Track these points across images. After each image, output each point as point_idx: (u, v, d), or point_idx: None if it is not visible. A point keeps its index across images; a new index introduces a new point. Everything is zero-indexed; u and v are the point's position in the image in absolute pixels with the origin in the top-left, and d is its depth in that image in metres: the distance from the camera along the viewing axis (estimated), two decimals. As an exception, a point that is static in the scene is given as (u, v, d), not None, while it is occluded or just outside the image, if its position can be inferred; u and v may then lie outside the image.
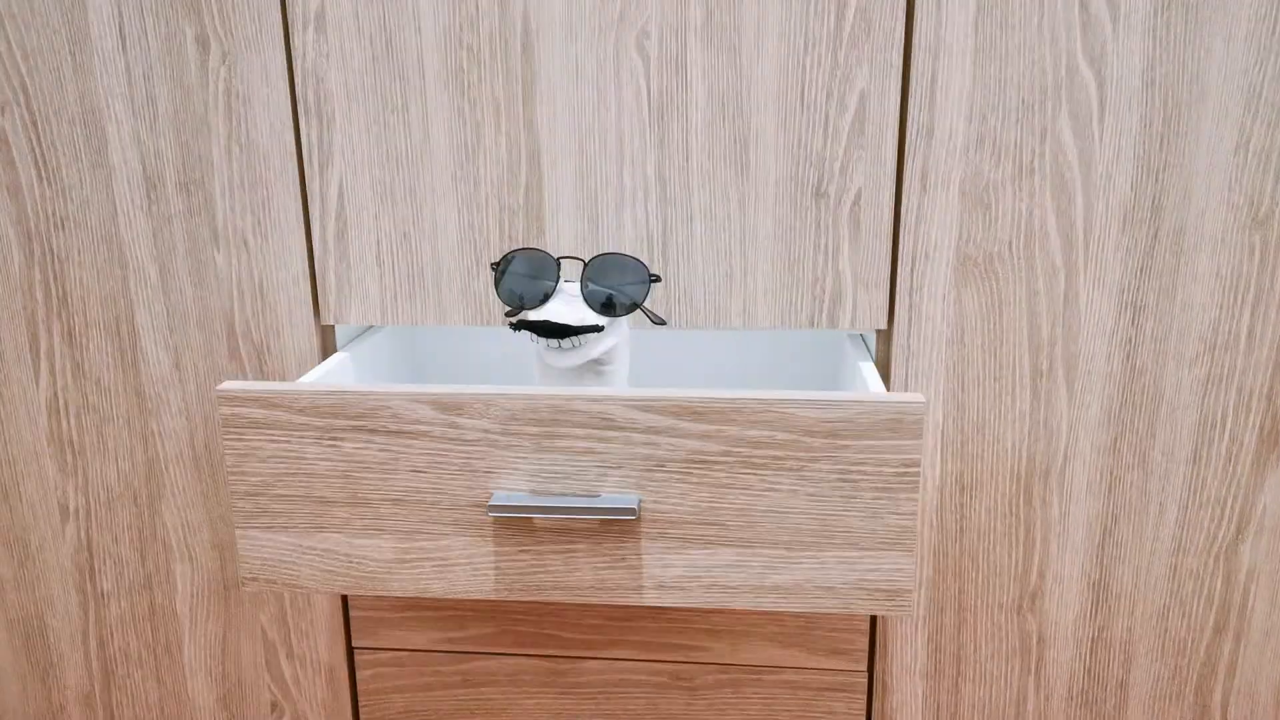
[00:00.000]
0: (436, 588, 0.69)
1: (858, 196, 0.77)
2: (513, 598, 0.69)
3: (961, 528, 0.83)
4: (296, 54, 0.78)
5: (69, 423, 0.89)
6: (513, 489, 0.67)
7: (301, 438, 0.67)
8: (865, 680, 0.88)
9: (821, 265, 0.78)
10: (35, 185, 0.83)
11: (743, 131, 0.76)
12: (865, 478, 0.64)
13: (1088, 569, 0.83)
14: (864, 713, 0.89)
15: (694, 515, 0.66)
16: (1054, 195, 0.75)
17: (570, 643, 0.90)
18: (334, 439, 0.67)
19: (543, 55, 0.76)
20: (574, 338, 0.68)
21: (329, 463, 0.68)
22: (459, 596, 0.69)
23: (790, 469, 0.65)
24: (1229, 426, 0.79)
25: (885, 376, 0.81)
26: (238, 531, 0.69)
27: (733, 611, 0.87)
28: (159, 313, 0.85)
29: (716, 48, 0.75)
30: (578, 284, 0.71)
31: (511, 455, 0.66)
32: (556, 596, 0.69)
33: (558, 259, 0.70)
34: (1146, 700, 0.86)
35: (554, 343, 0.68)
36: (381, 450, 0.67)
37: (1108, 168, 0.74)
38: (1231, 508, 0.80)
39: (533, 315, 0.68)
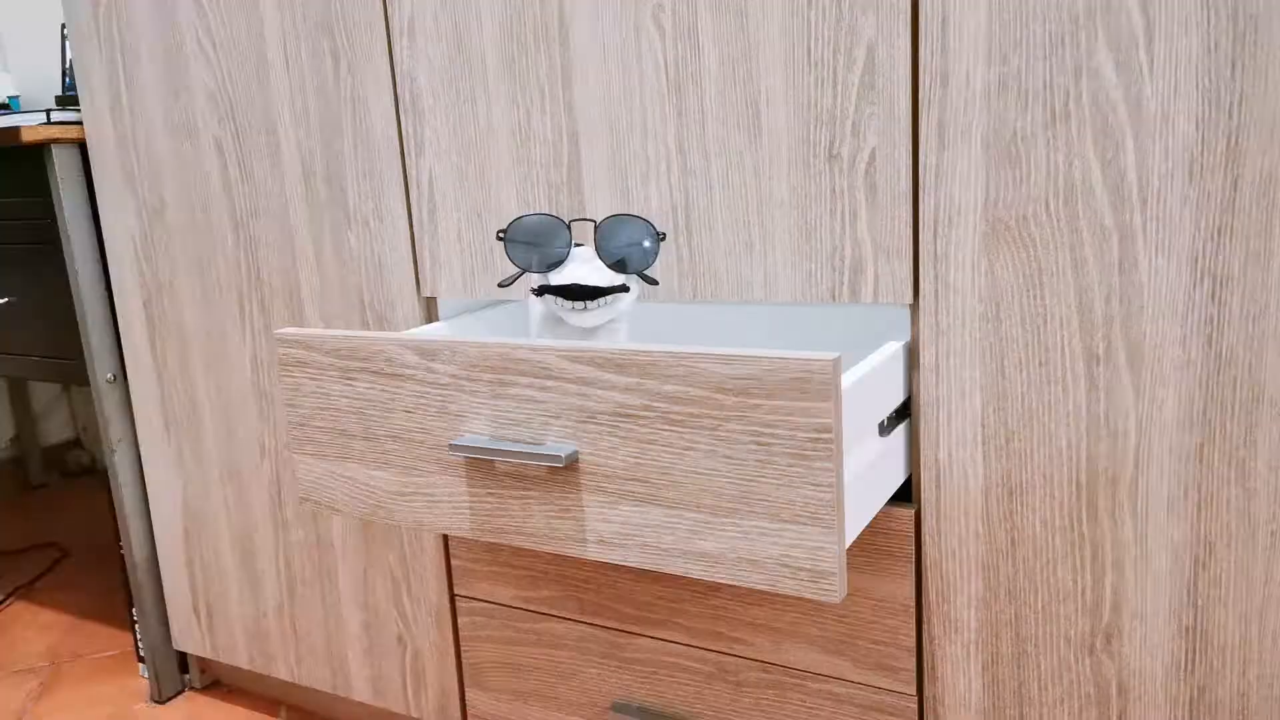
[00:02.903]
0: (429, 521, 0.76)
1: (872, 156, 0.71)
2: (485, 538, 0.73)
3: (1013, 540, 0.72)
4: (396, 59, 0.90)
5: (264, 376, 1.10)
6: (478, 432, 0.71)
7: (329, 376, 0.78)
8: (915, 705, 0.78)
9: (839, 233, 0.73)
10: (239, 183, 1.05)
11: (753, 95, 0.74)
12: (778, 441, 0.60)
13: (1177, 608, 0.67)
14: (914, 743, 0.79)
15: (624, 470, 0.66)
16: (1096, 143, 0.63)
17: (626, 616, 0.91)
18: (349, 379, 0.77)
19: (575, 39, 0.81)
20: (599, 301, 0.71)
21: (348, 399, 0.78)
22: (445, 531, 0.75)
23: (706, 427, 0.62)
24: (1365, 438, 0.59)
25: (915, 356, 0.73)
26: (295, 456, 0.82)
27: (771, 606, 0.83)
28: (315, 286, 1.02)
29: (724, 12, 0.74)
30: (590, 247, 0.74)
31: (476, 400, 0.71)
32: (518, 541, 0.72)
33: (568, 222, 0.73)
34: (1273, 794, 0.66)
35: (579, 304, 0.71)
36: (383, 391, 0.75)
37: (1163, 105, 0.61)
38: (1381, 549, 0.60)
39: (555, 280, 0.72)
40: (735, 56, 0.74)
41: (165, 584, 1.27)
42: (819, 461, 0.59)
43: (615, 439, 0.65)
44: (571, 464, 0.67)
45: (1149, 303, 0.64)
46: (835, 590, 0.60)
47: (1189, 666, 0.68)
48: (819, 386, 0.57)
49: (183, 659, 1.34)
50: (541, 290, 0.71)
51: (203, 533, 1.21)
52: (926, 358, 0.72)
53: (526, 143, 0.85)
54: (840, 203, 0.72)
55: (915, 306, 0.72)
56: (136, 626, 1.31)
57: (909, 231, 0.71)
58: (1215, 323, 0.62)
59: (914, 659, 0.78)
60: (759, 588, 0.64)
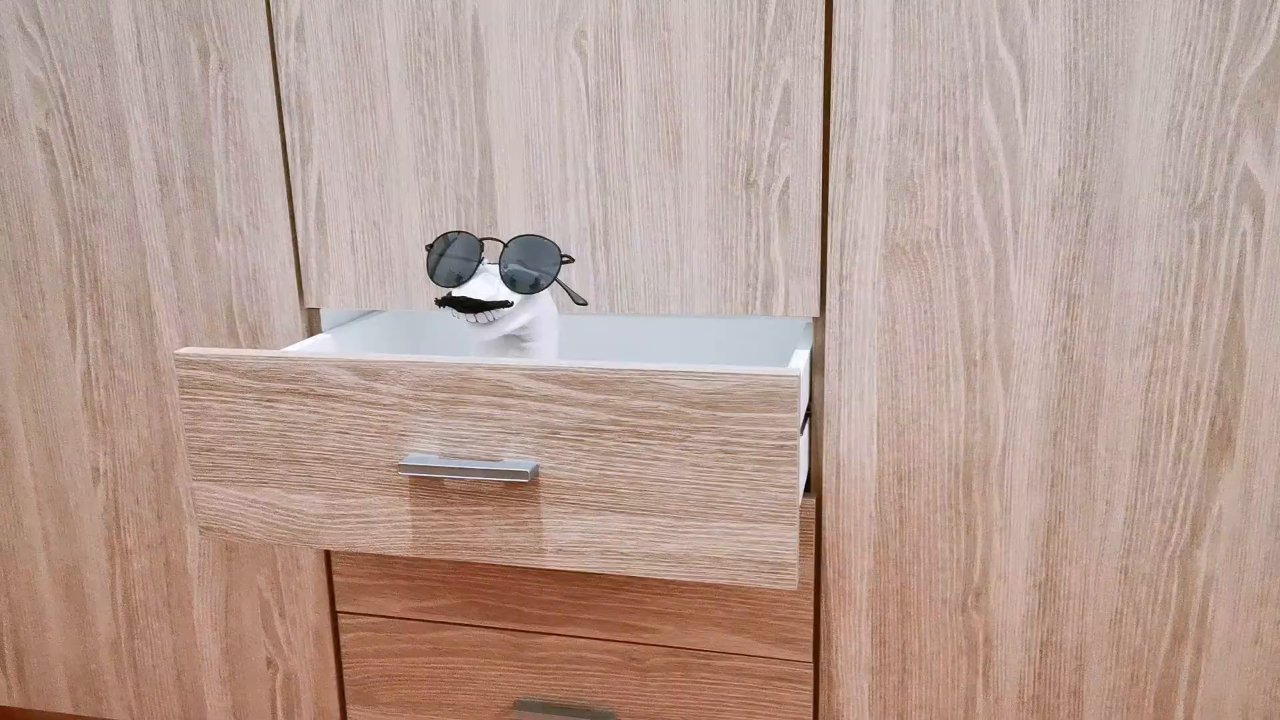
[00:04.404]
0: (362, 543, 0.75)
1: (786, 185, 0.79)
2: (428, 555, 0.73)
3: (901, 520, 0.83)
4: (281, 61, 0.87)
5: (100, 393, 1.00)
6: (425, 451, 0.72)
7: (244, 399, 0.75)
8: (811, 671, 0.88)
9: (753, 253, 0.80)
10: (72, 182, 0.95)
11: (674, 124, 0.80)
12: (745, 449, 0.66)
13: (1033, 567, 0.81)
14: (811, 704, 0.89)
15: (587, 482, 0.69)
16: (980, 182, 0.75)
17: (530, 617, 0.94)
18: (271, 401, 0.74)
19: (491, 56, 0.82)
20: (488, 312, 0.72)
21: (268, 423, 0.75)
22: (382, 552, 0.74)
23: (675, 439, 0.67)
24: (1176, 423, 0.75)
25: (820, 363, 0.82)
26: (194, 484, 0.77)
27: (681, 595, 0.89)
28: (171, 295, 0.95)
29: (648, 45, 0.79)
30: (499, 260, 0.76)
31: (424, 420, 0.71)
32: (467, 556, 0.73)
33: (480, 240, 0.75)
34: (1103, 710, 0.82)
35: (472, 317, 0.73)
36: (311, 412, 0.73)
37: (1034, 153, 0.74)
38: (1184, 509, 0.77)
39: (454, 292, 0.73)
40: (657, 86, 0.79)
41: (-42, 630, 1.12)
42: (783, 466, 0.66)
43: (579, 453, 0.69)
44: (532, 479, 0.69)
45: (1017, 316, 0.77)
46: (793, 579, 0.67)
47: (1040, 614, 0.82)
48: (785, 398, 0.64)
49: (-24, 712, 1.19)
50: (440, 302, 0.72)
51: (12, 570, 1.08)
52: (830, 364, 0.81)
53: (434, 154, 0.85)
54: (755, 226, 0.80)
55: (821, 319, 0.81)
56: (-86, 682, 1.14)
57: (817, 253, 0.79)
58: (1069, 333, 0.76)
59: (812, 630, 0.87)
60: (719, 583, 0.70)
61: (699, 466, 0.67)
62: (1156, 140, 0.71)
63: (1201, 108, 0.70)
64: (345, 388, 0.72)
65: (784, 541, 0.67)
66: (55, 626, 1.09)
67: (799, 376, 0.64)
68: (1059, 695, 0.83)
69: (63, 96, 0.93)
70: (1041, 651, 0.83)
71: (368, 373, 0.71)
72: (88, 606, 1.07)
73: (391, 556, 0.96)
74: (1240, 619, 0.78)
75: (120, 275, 0.96)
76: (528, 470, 0.69)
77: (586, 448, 0.69)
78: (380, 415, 0.72)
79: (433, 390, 0.70)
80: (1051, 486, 0.79)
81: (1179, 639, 0.79)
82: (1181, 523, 0.77)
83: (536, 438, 0.69)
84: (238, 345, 0.94)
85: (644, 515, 0.69)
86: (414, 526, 0.74)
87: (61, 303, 0.99)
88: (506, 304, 0.72)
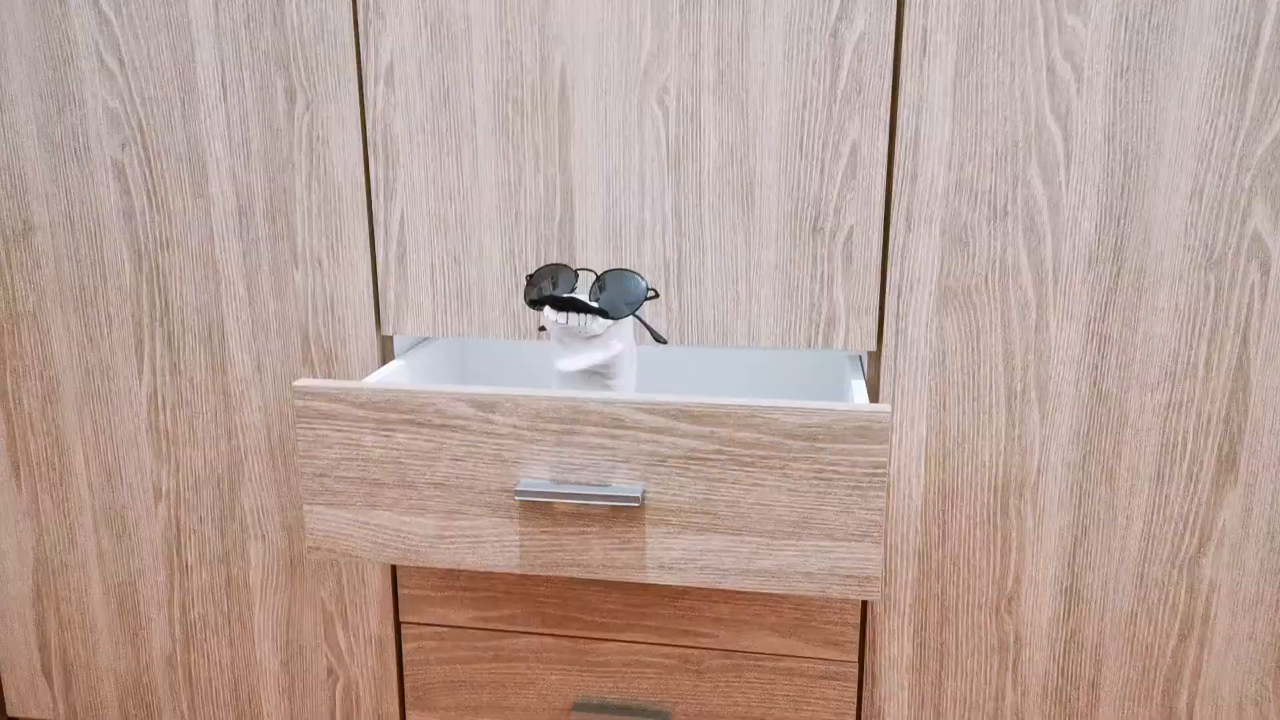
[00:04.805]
0: (470, 561, 0.81)
1: (850, 233, 0.87)
2: (534, 572, 0.80)
3: (944, 533, 0.92)
4: (369, 104, 0.91)
5: (165, 415, 1.03)
6: (537, 477, 0.78)
7: (360, 428, 0.79)
8: (856, 670, 0.97)
9: (818, 293, 0.88)
10: (146, 211, 0.98)
11: (749, 175, 0.87)
12: (839, 476, 0.74)
13: (1060, 575, 0.91)
14: (854, 701, 0.97)
15: (691, 505, 0.76)
16: (1025, 236, 0.84)
17: (591, 625, 1.00)
18: (388, 430, 0.79)
19: (577, 107, 0.88)
20: (581, 317, 0.78)
21: (383, 450, 0.80)
22: (489, 569, 0.80)
23: (774, 467, 0.75)
24: (1189, 448, 0.86)
25: (874, 394, 0.91)
26: (305, 507, 0.82)
27: (736, 602, 0.97)
28: (245, 322, 0.99)
29: (726, 103, 0.86)
30: (589, 292, 0.83)
31: (536, 448, 0.77)
32: (573, 573, 0.79)
33: (576, 270, 0.82)
34: (1116, 700, 0.93)
35: (563, 318, 0.78)
36: (427, 441, 0.79)
37: (1074, 212, 0.83)
38: (1193, 524, 0.88)
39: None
40: (734, 141, 0.87)
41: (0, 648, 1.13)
42: (874, 491, 0.74)
43: (684, 478, 0.76)
44: (640, 503, 0.76)
45: (1054, 354, 0.86)
46: (878, 591, 0.76)
47: (1065, 616, 0.92)
48: (879, 431, 0.73)
49: (15, 727, 1.20)
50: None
51: (64, 587, 1.10)
52: (885, 394, 0.90)
53: (516, 195, 0.91)
54: (820, 269, 0.88)
55: (877, 354, 0.90)
56: (-48, 698, 1.15)
57: (876, 294, 0.88)
58: (1099, 370, 0.86)
59: (858, 634, 0.96)
60: (808, 594, 0.78)
61: (795, 491, 0.75)
62: (1180, 204, 0.81)
63: (1220, 177, 0.80)
64: (462, 418, 0.78)
65: (870, 558, 0.75)
66: (106, 642, 1.11)
67: (890, 412, 0.72)
68: (1079, 688, 0.93)
69: (140, 128, 0.96)
70: (1065, 649, 0.93)
71: (485, 405, 0.77)
72: (142, 622, 1.10)
73: (459, 571, 1.01)
74: (1238, 618, 0.89)
75: (192, 301, 0.99)
76: (637, 495, 0.75)
77: (691, 474, 0.76)
78: (495, 444, 0.78)
79: (548, 421, 0.77)
80: (1079, 504, 0.89)
81: (1184, 636, 0.90)
82: (1190, 535, 0.88)
83: (644, 465, 0.76)
84: (312, 369, 0.99)
85: (742, 535, 0.76)
86: (521, 546, 0.80)
87: (128, 326, 1.01)
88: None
